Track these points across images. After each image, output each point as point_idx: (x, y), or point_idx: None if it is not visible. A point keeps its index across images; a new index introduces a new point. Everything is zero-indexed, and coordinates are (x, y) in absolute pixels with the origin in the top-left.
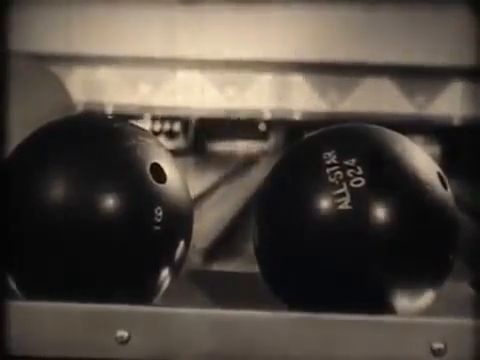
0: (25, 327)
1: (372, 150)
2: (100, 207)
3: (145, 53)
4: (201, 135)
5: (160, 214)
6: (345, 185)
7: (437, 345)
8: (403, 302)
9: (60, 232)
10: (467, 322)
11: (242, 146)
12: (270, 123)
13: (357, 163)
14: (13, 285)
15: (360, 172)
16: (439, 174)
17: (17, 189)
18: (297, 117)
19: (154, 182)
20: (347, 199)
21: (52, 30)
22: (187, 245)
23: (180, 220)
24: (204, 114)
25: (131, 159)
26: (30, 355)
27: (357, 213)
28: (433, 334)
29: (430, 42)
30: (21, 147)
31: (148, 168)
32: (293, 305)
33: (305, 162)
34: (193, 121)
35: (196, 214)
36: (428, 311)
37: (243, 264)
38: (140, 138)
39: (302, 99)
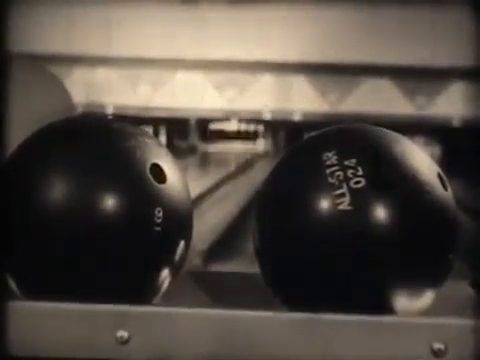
0: (25, 327)
1: (372, 151)
2: (100, 207)
3: (145, 53)
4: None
5: (160, 214)
6: (345, 185)
7: (437, 345)
8: (403, 302)
9: (60, 232)
10: (468, 322)
11: (242, 147)
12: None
13: (357, 163)
14: (13, 285)
15: (360, 172)
16: (439, 174)
17: (17, 189)
18: (297, 118)
19: (154, 182)
20: (347, 199)
21: (52, 30)
22: (187, 245)
23: (180, 220)
24: (204, 114)
25: (131, 159)
26: (30, 355)
27: (357, 213)
28: (434, 334)
29: (430, 42)
30: (22, 148)
31: (148, 168)
32: (293, 305)
33: (305, 162)
34: (193, 122)
35: (196, 214)
36: (428, 311)
37: (243, 264)
38: (140, 138)
39: (302, 99)
